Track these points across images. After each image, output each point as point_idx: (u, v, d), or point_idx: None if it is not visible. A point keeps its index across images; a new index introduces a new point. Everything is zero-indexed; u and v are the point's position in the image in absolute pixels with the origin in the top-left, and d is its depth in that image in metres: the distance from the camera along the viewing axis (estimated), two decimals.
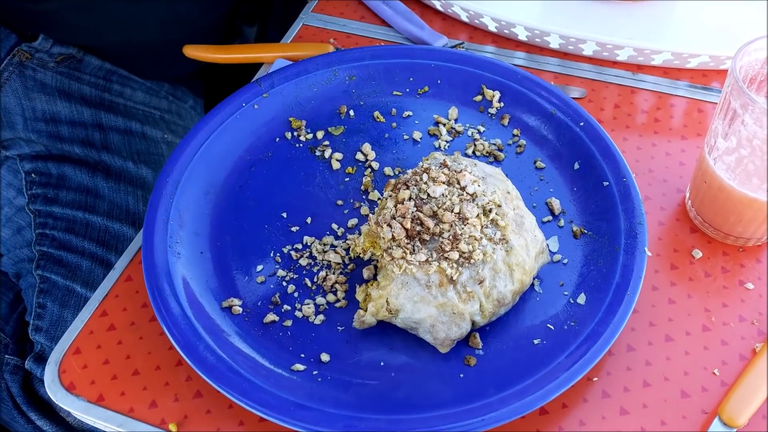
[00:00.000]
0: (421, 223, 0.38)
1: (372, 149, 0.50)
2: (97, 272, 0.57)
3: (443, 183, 0.39)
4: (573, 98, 0.55)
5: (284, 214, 0.46)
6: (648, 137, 0.53)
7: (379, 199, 0.47)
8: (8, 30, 0.62)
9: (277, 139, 0.51)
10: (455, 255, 0.37)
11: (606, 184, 0.45)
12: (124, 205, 0.61)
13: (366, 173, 0.49)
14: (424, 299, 0.37)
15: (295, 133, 0.51)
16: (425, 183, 0.40)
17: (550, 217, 0.46)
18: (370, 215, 0.41)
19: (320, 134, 0.51)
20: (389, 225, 0.38)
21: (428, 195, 0.39)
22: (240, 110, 0.50)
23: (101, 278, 0.58)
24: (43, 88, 0.63)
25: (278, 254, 0.44)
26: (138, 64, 0.68)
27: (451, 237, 0.37)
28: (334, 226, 0.46)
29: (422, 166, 0.41)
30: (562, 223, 0.45)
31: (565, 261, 0.43)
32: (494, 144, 0.50)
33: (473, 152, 0.50)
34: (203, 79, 0.78)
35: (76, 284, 0.56)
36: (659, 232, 0.47)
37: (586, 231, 0.44)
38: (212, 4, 0.69)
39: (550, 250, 0.43)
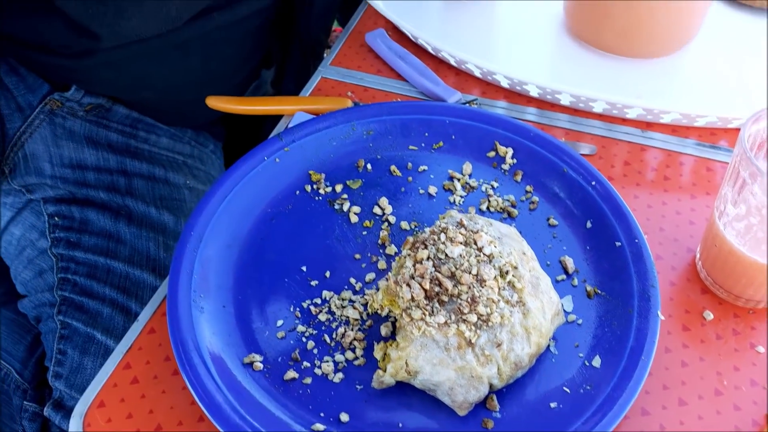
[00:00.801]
0: (440, 284, 0.39)
1: (389, 203, 0.52)
2: (117, 319, 0.58)
3: (461, 243, 0.41)
4: (583, 155, 0.57)
5: (304, 268, 0.47)
6: (658, 195, 0.54)
7: (396, 254, 0.48)
8: (42, 79, 0.64)
9: (297, 192, 0.52)
10: (473, 317, 0.38)
11: (618, 244, 0.46)
12: (145, 251, 0.62)
13: (383, 227, 0.50)
14: (443, 362, 0.37)
15: (315, 186, 0.53)
16: (443, 243, 0.41)
17: (564, 276, 0.47)
18: (389, 274, 0.43)
19: (339, 187, 0.53)
20: (408, 285, 0.39)
21: (446, 255, 0.40)
22: (262, 164, 0.52)
23: (121, 325, 0.59)
24: (71, 136, 0.65)
25: (298, 309, 0.45)
26: (166, 115, 0.70)
27: (469, 299, 0.38)
28: (352, 280, 0.47)
29: (440, 225, 0.42)
30: (575, 282, 0.46)
31: (580, 321, 0.44)
32: (508, 200, 0.52)
33: (487, 208, 0.51)
34: (225, 125, 0.80)
35: (96, 331, 0.57)
36: (670, 292, 0.48)
37: (599, 291, 0.45)
38: (244, 61, 0.71)
39: (564, 310, 0.44)
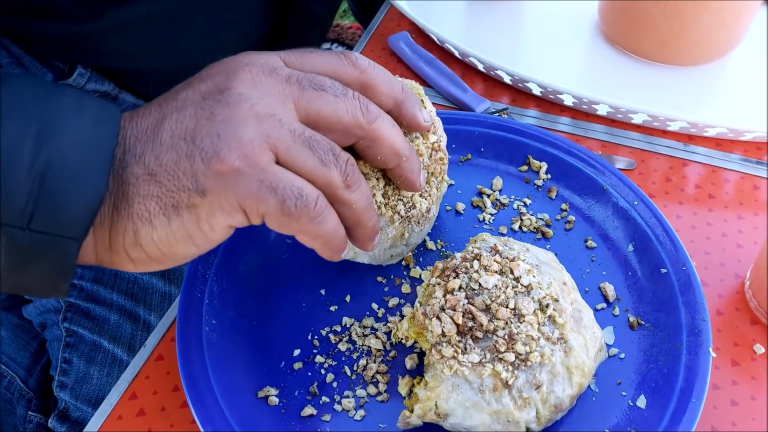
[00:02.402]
0: (474, 318, 0.36)
1: None
2: (125, 327, 0.55)
3: (496, 272, 0.37)
4: (621, 169, 0.53)
5: (323, 291, 0.44)
6: (703, 215, 0.50)
7: (420, 276, 0.45)
8: (45, 68, 0.61)
9: None
10: (511, 356, 0.34)
11: (664, 271, 0.43)
12: None
13: None
14: (477, 405, 0.34)
15: None
16: (476, 272, 0.37)
17: (604, 305, 0.43)
18: (416, 303, 0.39)
19: None
20: (438, 318, 0.36)
21: (480, 285, 0.37)
22: None
23: (129, 333, 0.56)
24: None
25: (316, 337, 0.42)
26: None
27: (506, 336, 0.35)
28: (374, 306, 0.44)
29: (472, 252, 0.39)
30: (617, 311, 0.43)
31: (622, 356, 0.40)
32: (542, 219, 0.48)
33: (520, 227, 0.48)
34: None
35: (103, 339, 0.54)
36: (718, 322, 0.44)
37: (643, 322, 0.42)
38: (252, 28, 0.67)
39: (606, 343, 0.40)
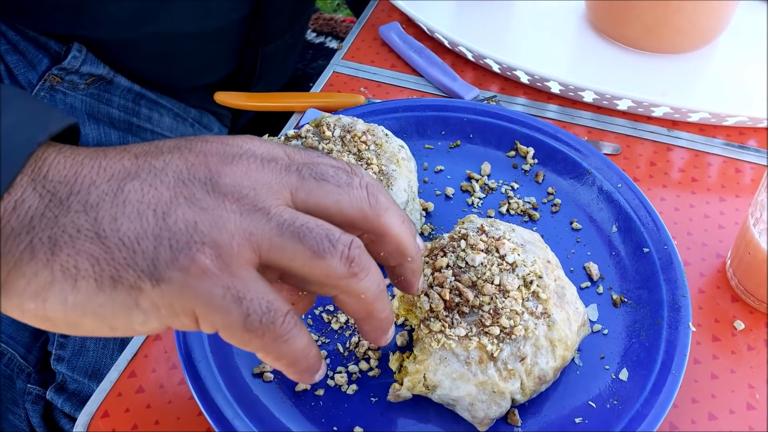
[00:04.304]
0: (460, 294, 0.37)
1: None
2: None
3: (482, 251, 0.39)
4: (607, 154, 0.55)
5: None
6: (686, 198, 0.52)
7: None
8: (41, 53, 0.61)
9: None
10: (496, 330, 0.36)
11: (646, 250, 0.44)
12: None
13: None
14: (464, 376, 0.35)
15: None
16: (463, 250, 0.39)
17: (589, 283, 0.44)
18: None
19: None
20: (427, 294, 0.37)
21: (467, 263, 0.38)
22: None
23: None
24: (72, 112, 0.63)
25: (310, 316, 0.43)
26: (169, 70, 0.67)
27: (491, 311, 0.36)
28: None
29: (459, 232, 0.40)
30: (600, 289, 0.44)
31: (605, 331, 0.42)
32: (529, 202, 0.49)
33: (507, 211, 0.49)
34: (230, 108, 0.77)
35: None
36: (699, 300, 0.45)
37: (626, 300, 0.43)
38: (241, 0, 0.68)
39: (589, 320, 0.42)
